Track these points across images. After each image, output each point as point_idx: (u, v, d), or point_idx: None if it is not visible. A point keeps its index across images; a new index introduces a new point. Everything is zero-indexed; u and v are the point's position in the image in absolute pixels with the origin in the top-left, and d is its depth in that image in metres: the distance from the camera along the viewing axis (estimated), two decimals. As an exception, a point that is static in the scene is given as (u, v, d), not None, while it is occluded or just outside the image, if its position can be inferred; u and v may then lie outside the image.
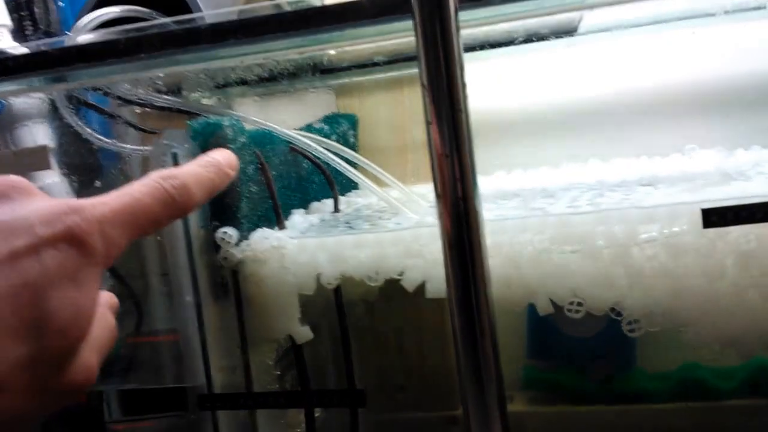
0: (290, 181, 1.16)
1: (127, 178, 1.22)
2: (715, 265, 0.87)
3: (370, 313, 1.21)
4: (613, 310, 0.90)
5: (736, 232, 0.87)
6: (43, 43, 1.02)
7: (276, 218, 1.05)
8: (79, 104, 1.10)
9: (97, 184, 1.19)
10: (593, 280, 0.89)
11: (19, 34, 1.16)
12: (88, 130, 1.08)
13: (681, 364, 1.19)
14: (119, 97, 1.06)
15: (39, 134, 1.12)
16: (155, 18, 1.05)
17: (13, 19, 1.13)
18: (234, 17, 0.93)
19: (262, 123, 1.07)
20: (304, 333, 1.02)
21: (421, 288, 0.97)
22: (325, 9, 0.90)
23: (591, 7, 1.00)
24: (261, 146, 1.06)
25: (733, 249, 0.87)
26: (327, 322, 1.12)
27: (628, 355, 1.22)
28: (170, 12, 1.04)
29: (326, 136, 1.21)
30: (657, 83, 1.33)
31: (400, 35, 0.92)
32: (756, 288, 0.87)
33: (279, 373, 1.05)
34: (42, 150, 1.03)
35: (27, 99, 1.11)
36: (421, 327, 1.29)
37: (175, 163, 0.95)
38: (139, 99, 1.06)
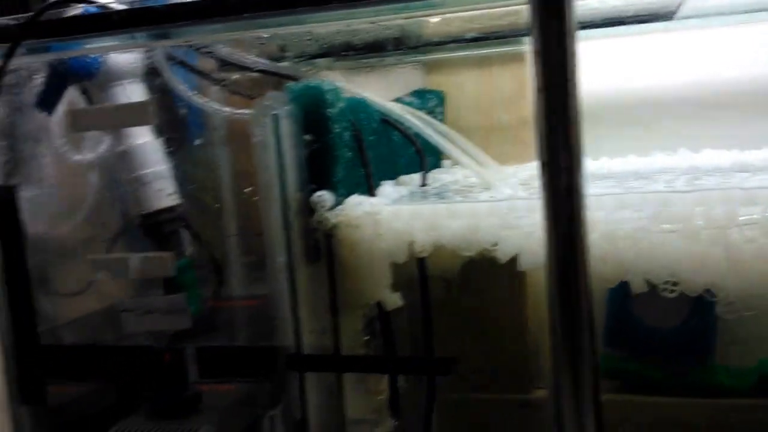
0: (380, 152, 1.16)
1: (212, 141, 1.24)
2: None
3: (449, 293, 1.21)
4: (708, 291, 0.89)
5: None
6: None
7: (367, 186, 1.06)
8: (179, 65, 1.11)
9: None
10: (690, 261, 0.88)
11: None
12: (188, 91, 1.09)
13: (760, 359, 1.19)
14: (222, 59, 1.07)
15: (134, 94, 1.13)
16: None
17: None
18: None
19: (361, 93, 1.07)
20: (393, 300, 1.02)
21: (506, 267, 0.97)
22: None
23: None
24: (355, 115, 1.07)
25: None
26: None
27: (706, 348, 1.22)
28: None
29: (414, 110, 1.21)
30: (749, 75, 1.32)
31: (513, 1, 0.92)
32: None
33: (367, 338, 1.05)
34: (145, 105, 1.04)
35: (123, 58, 1.12)
36: (499, 310, 1.29)
37: (276, 124, 0.96)
38: (240, 62, 1.07)
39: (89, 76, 1.10)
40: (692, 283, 0.89)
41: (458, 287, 1.23)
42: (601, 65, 1.37)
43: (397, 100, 1.27)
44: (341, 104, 1.02)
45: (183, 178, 1.15)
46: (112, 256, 1.07)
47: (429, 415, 1.14)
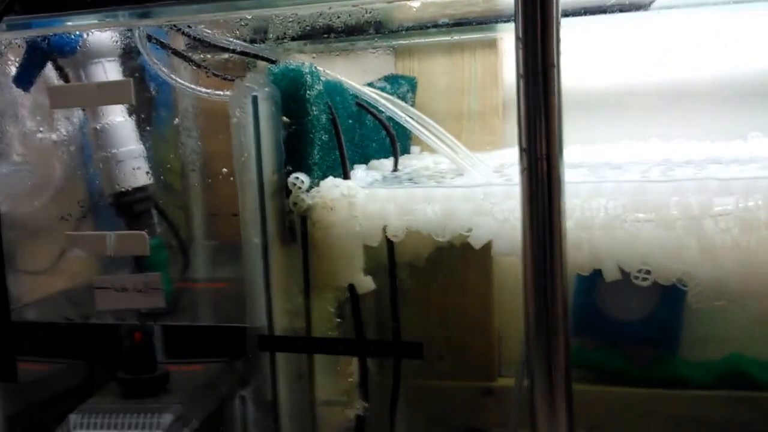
0: (353, 136, 1.16)
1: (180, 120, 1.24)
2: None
3: (417, 279, 1.22)
4: (680, 280, 0.90)
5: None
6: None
7: (342, 169, 1.06)
8: (159, 45, 1.11)
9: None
10: (664, 250, 0.89)
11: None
12: (166, 71, 1.09)
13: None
14: (198, 39, 1.07)
15: (111, 72, 1.13)
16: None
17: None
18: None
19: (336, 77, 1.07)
20: (366, 283, 1.03)
21: (475, 254, 0.98)
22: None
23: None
24: (331, 98, 1.07)
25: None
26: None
27: (671, 341, 1.23)
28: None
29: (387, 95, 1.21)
30: (722, 68, 1.33)
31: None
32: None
33: (339, 320, 1.05)
34: (126, 84, 1.04)
35: (101, 36, 1.11)
36: (465, 298, 1.30)
37: (255, 105, 0.96)
38: (218, 43, 1.06)
39: (68, 53, 1.10)
40: (666, 272, 0.90)
41: (426, 273, 1.23)
42: (572, 53, 1.37)
43: (369, 84, 1.27)
44: (319, 87, 1.02)
45: (155, 158, 1.15)
46: (87, 233, 1.06)
47: (395, 401, 1.14)
